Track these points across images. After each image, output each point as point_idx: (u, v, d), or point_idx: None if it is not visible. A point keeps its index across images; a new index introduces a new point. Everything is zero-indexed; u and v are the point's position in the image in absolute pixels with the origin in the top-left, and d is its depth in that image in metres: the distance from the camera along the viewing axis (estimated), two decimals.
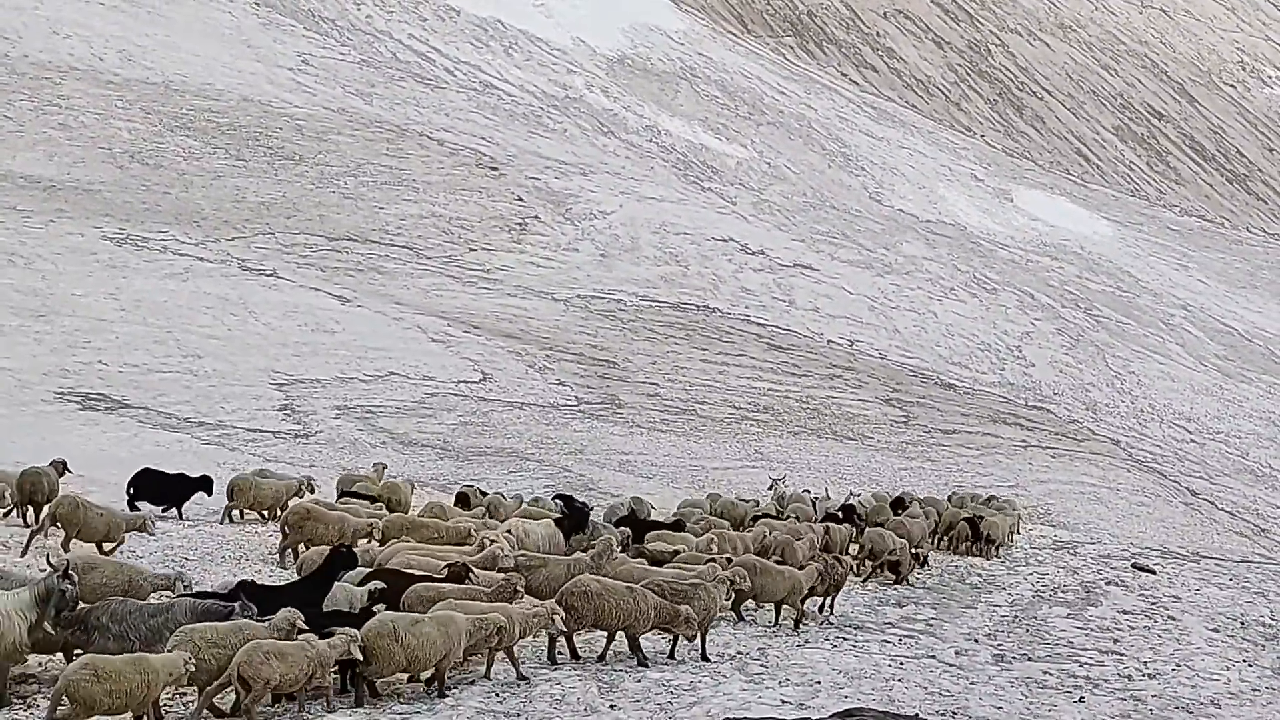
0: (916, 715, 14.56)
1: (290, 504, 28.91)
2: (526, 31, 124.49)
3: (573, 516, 28.77)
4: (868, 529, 33.59)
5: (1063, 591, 32.74)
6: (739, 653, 22.49)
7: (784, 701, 19.19)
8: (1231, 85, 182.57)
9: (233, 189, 75.98)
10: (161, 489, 30.48)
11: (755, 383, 68.54)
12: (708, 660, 21.63)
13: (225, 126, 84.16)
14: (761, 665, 21.79)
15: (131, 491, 29.64)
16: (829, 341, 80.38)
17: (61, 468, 28.58)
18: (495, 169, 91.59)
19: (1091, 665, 24.66)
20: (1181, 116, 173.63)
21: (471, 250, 77.98)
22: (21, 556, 24.10)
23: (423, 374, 57.01)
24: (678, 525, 31.06)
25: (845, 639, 24.74)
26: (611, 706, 18.29)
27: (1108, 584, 34.12)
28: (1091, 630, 28.21)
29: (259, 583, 20.22)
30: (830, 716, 12.27)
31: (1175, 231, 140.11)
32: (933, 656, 23.99)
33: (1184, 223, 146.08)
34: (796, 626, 24.95)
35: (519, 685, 18.89)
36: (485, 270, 75.50)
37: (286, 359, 54.83)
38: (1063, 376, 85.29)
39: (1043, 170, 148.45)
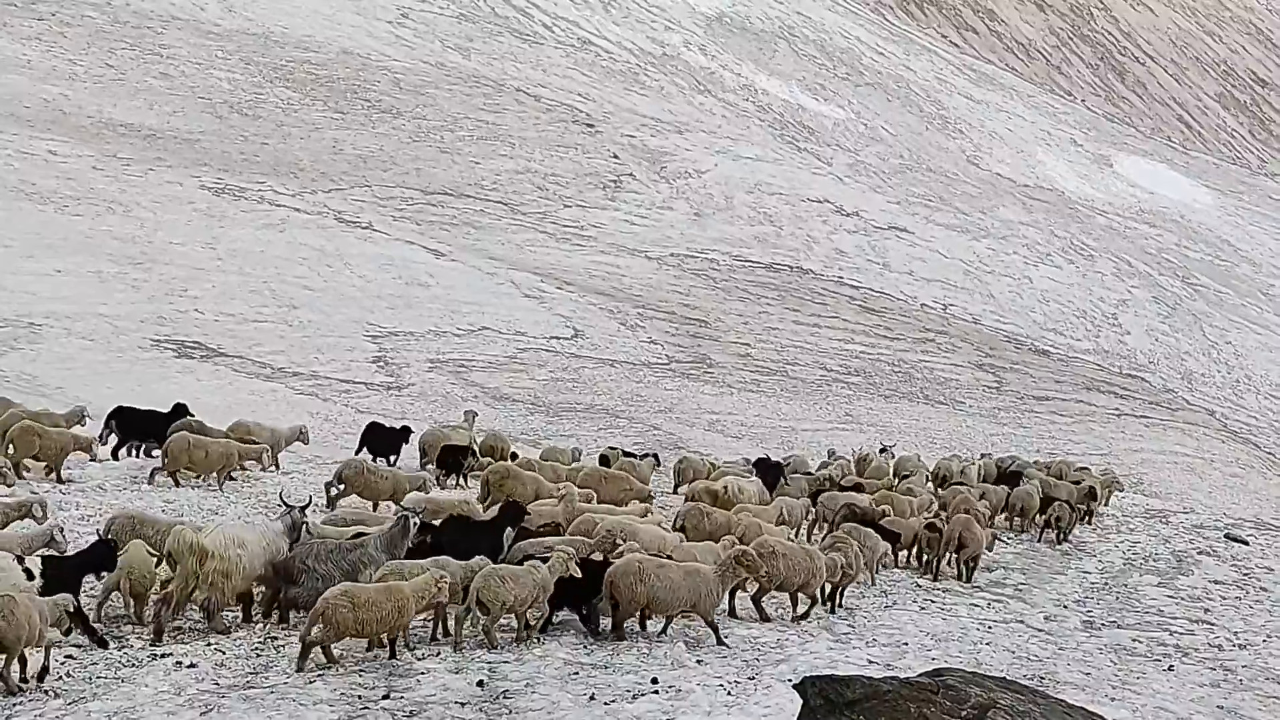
0: (1004, 678, 14.50)
1: (493, 465, 29.19)
2: None
3: (769, 473, 32.16)
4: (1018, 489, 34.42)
5: (1154, 560, 32.42)
6: (826, 609, 22.43)
7: (870, 661, 19.15)
8: None
9: (330, 141, 76.39)
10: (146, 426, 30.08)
11: (847, 345, 68.33)
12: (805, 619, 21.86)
13: (324, 79, 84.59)
14: (849, 625, 21.74)
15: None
16: (922, 305, 79.94)
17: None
18: (591, 126, 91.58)
19: (1181, 634, 24.45)
20: None
21: (566, 207, 78.06)
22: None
23: (515, 329, 57.22)
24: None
25: (933, 601, 24.64)
26: (699, 661, 18.31)
27: (1199, 554, 33.74)
28: (1182, 599, 27.95)
29: (462, 516, 22.14)
30: (918, 676, 12.22)
31: (1276, 200, 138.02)
32: (1021, 621, 23.86)
33: None
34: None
35: (607, 639, 18.94)
36: (579, 227, 75.57)
37: (381, 311, 55.17)
38: (1158, 345, 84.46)
39: (1143, 136, 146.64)
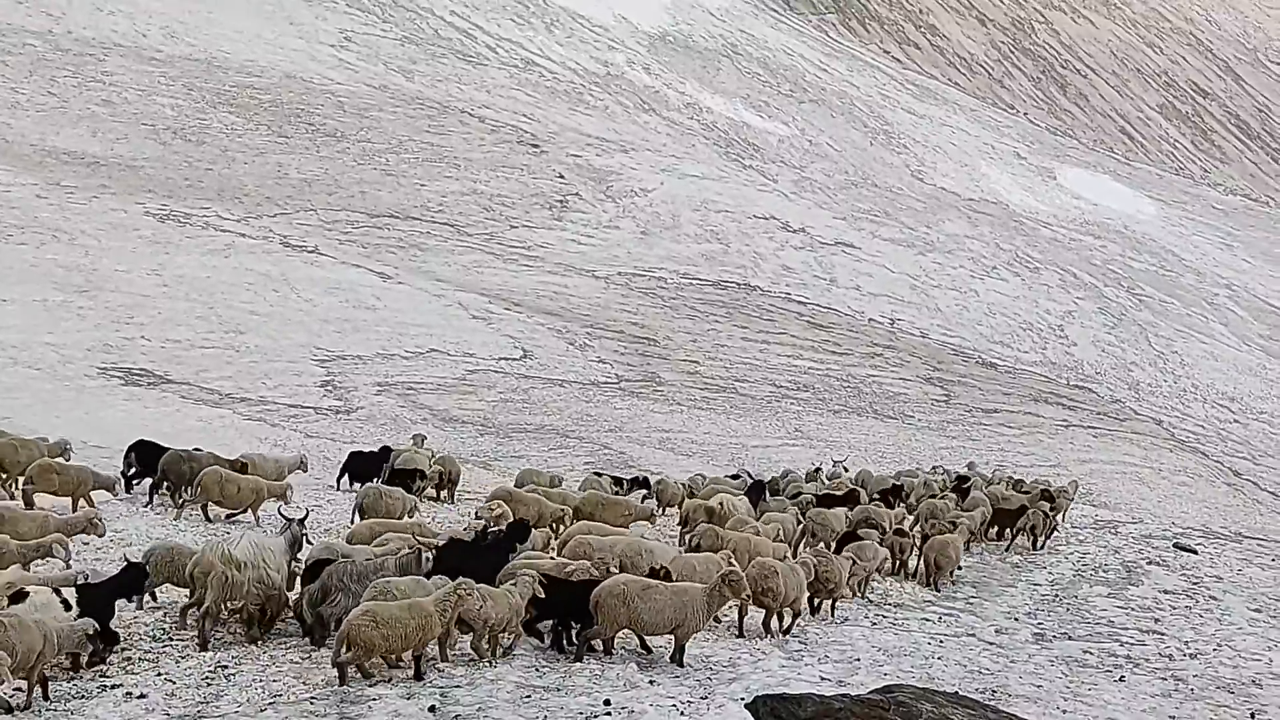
0: (956, 693, 14.56)
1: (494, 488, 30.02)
2: (568, 8, 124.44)
3: (754, 489, 33.69)
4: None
5: (1104, 571, 32.62)
6: (777, 629, 22.45)
7: (823, 678, 19.18)
8: (1277, 63, 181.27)
9: (275, 166, 76.20)
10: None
11: (796, 361, 68.48)
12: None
13: (268, 103, 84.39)
14: (800, 642, 21.78)
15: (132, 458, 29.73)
16: (870, 320, 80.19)
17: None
18: (536, 146, 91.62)
19: (1132, 644, 24.56)
20: (1227, 94, 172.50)
21: (513, 227, 78.05)
22: None
23: (464, 351, 57.15)
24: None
25: (884, 616, 24.72)
26: (651, 682, 18.29)
27: (1149, 563, 33.97)
28: (1133, 610, 28.09)
29: (459, 539, 22.33)
30: (870, 693, 12.26)
31: (1219, 210, 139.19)
32: (972, 634, 23.94)
33: (1228, 202, 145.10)
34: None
35: (559, 661, 18.93)
36: (526, 247, 75.55)
37: (328, 335, 55.02)
38: (1105, 356, 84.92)
39: (1086, 148, 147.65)
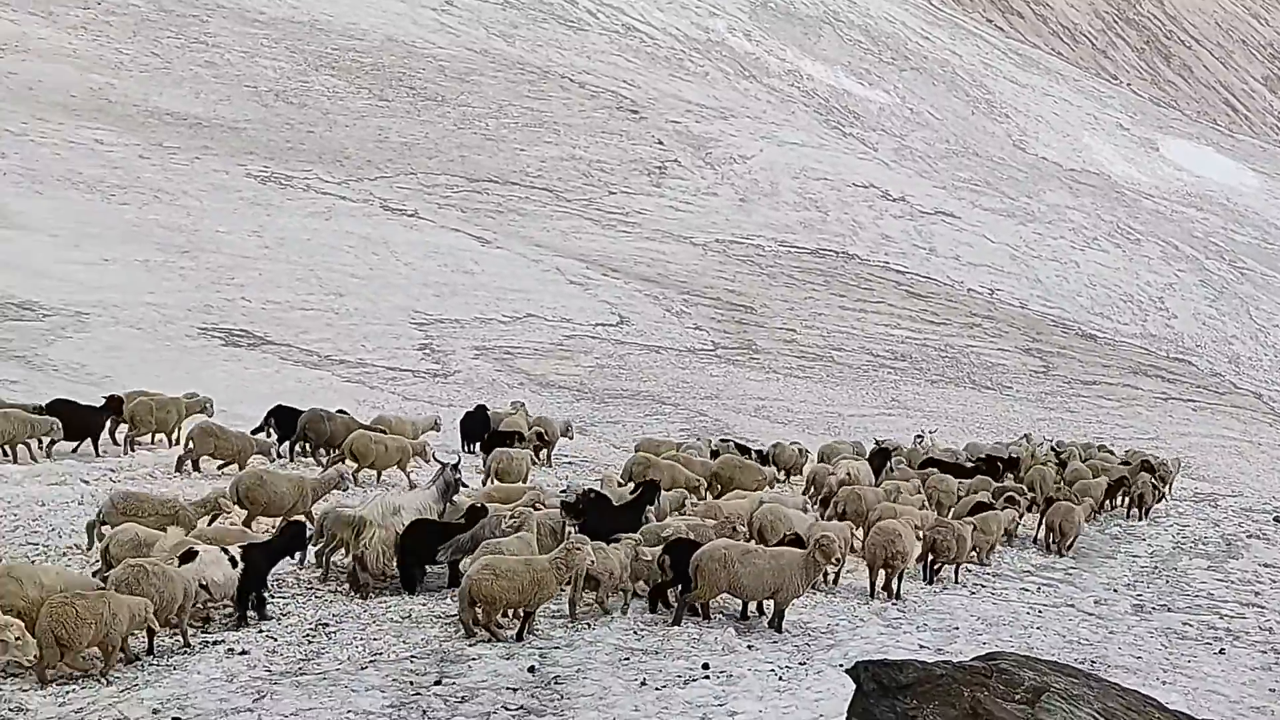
0: (1057, 662, 14.46)
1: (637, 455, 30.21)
2: None
3: (878, 456, 34.45)
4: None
5: (1203, 544, 32.26)
6: (875, 596, 22.39)
7: (922, 646, 19.10)
8: None
9: (376, 129, 76.56)
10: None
11: (893, 330, 68.17)
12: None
13: (369, 66, 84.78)
14: (900, 610, 21.68)
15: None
16: (969, 290, 79.69)
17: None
18: (636, 112, 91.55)
19: (1232, 618, 24.28)
20: None
21: (611, 193, 78.05)
22: None
23: (561, 316, 57.24)
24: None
25: (984, 586, 24.57)
26: (749, 647, 18.27)
27: (1249, 537, 33.55)
28: (1232, 583, 27.77)
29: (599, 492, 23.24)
30: (970, 660, 12.19)
31: None
32: (1071, 605, 23.76)
33: None
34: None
35: (657, 624, 18.94)
36: (624, 213, 75.56)
37: (426, 299, 55.24)
38: (1205, 329, 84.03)
39: (1189, 120, 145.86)
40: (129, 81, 72.97)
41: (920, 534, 24.27)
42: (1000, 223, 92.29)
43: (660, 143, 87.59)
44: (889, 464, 33.18)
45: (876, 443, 39.14)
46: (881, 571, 22.55)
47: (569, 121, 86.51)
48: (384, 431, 29.09)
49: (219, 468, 26.83)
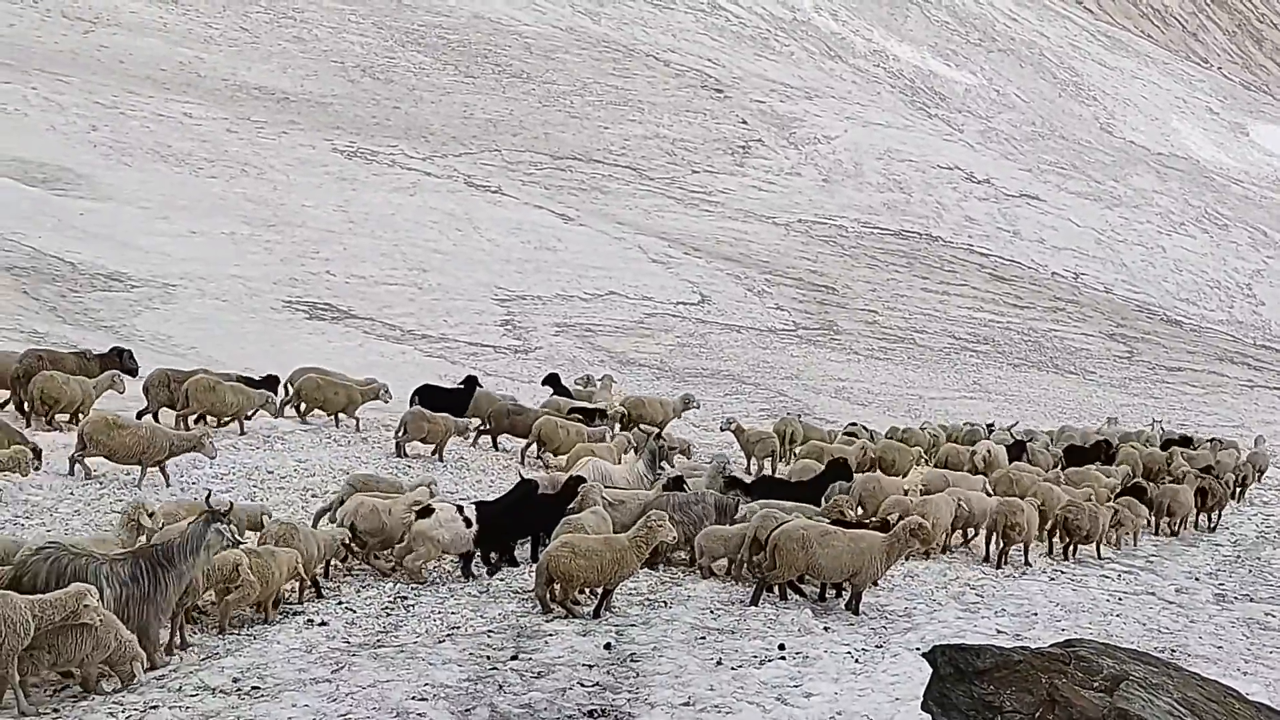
0: (1136, 650, 14.37)
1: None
2: None
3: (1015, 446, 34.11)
4: None
5: None
6: (953, 580, 22.35)
7: (999, 631, 19.02)
8: None
9: (461, 105, 76.79)
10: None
11: (976, 313, 67.81)
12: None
13: (455, 43, 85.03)
14: (978, 595, 21.60)
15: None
16: (1053, 274, 79.17)
17: None
18: (720, 91, 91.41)
19: None
20: None
21: (694, 172, 78.00)
22: None
23: (642, 294, 57.25)
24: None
25: (1063, 572, 24.43)
26: (825, 628, 18.27)
27: None
28: None
29: (777, 479, 25.07)
30: (1050, 646, 12.13)
31: None
32: (1152, 593, 23.57)
33: None
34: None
35: (735, 605, 18.97)
36: (707, 192, 75.49)
37: (509, 275, 55.39)
38: None
39: None
40: (218, 56, 73.53)
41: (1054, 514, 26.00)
42: (1086, 206, 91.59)
43: (744, 122, 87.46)
44: (1027, 449, 33.94)
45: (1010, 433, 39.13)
46: (996, 540, 24.48)
47: (653, 100, 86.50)
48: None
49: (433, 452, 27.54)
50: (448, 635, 16.63)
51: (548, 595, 17.73)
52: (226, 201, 54.94)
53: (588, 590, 18.22)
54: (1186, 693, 11.47)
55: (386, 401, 29.58)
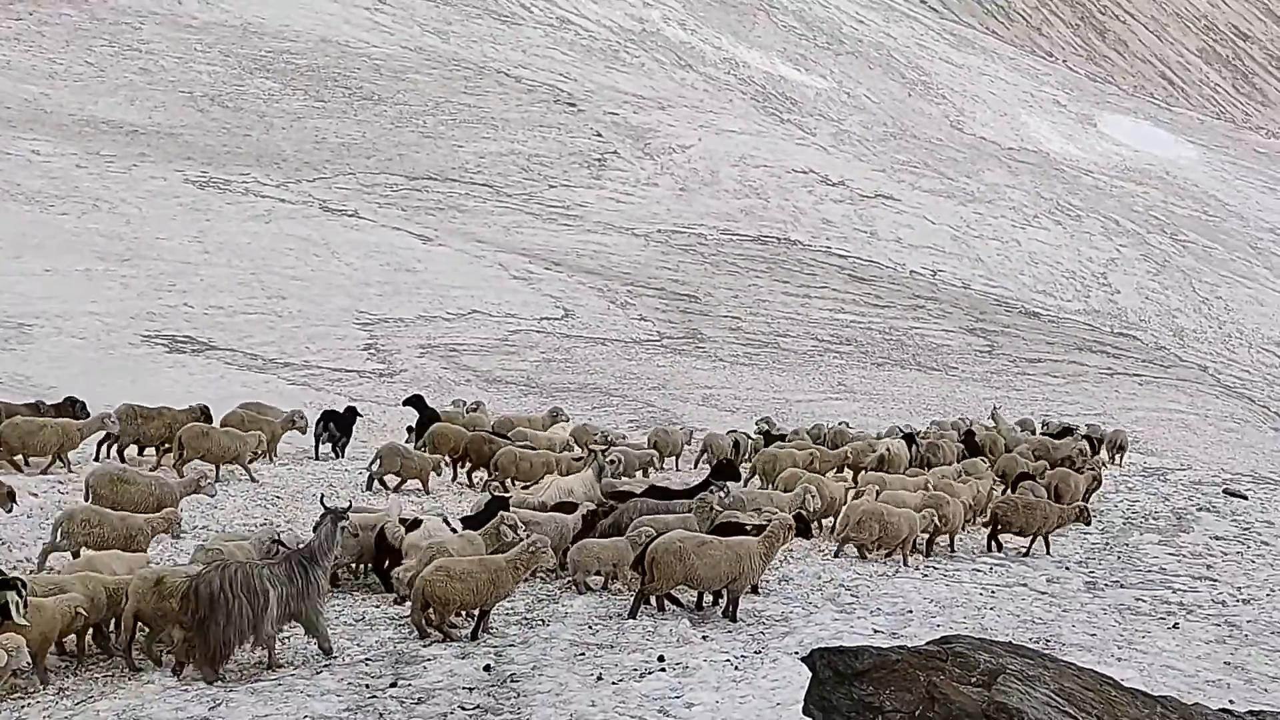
0: (1012, 643, 14.50)
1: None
2: None
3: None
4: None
5: (1154, 518, 32.42)
6: (829, 582, 22.46)
7: (876, 631, 19.16)
8: None
9: (312, 130, 76.26)
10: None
11: (838, 315, 68.32)
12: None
13: (304, 68, 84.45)
14: (853, 596, 21.75)
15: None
16: (911, 272, 79.95)
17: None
18: (573, 105, 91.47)
19: (1185, 591, 24.44)
20: (1267, 37, 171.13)
21: (551, 187, 77.98)
22: None
23: (505, 311, 57.17)
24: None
25: (936, 568, 24.66)
26: (704, 637, 18.32)
27: (1199, 510, 33.73)
28: (1184, 556, 27.95)
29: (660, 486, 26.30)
30: (926, 644, 12.21)
31: (1262, 154, 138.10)
32: (1024, 585, 23.85)
33: (1271, 145, 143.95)
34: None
35: (612, 619, 18.95)
36: (565, 207, 75.49)
37: (369, 299, 55.07)
38: (1149, 303, 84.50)
39: (1126, 95, 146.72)
40: (63, 91, 72.51)
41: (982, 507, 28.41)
42: (940, 204, 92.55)
43: (599, 135, 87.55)
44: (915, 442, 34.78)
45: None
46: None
47: (506, 116, 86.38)
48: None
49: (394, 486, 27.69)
50: (325, 666, 16.50)
51: (423, 620, 17.61)
52: (79, 238, 54.16)
53: (464, 612, 18.11)
54: (1063, 683, 11.60)
55: (303, 432, 30.05)
